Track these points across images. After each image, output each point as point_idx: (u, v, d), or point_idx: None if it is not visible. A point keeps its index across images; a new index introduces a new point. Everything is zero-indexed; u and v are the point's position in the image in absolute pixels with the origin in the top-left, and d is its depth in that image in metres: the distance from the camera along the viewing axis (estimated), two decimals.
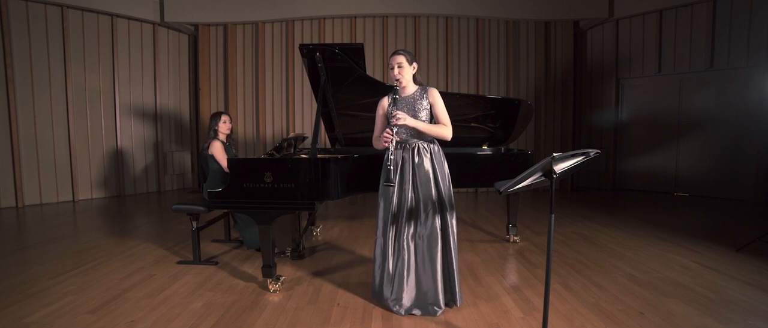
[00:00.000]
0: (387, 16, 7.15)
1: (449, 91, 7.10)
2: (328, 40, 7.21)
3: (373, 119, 2.62)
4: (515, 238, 3.97)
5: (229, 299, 2.66)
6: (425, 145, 2.48)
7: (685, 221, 4.77)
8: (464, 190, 7.21)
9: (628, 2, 6.82)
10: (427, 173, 2.44)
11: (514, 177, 1.87)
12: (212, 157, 3.46)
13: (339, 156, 2.83)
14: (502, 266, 3.29)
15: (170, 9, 6.99)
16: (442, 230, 2.43)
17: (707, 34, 6.19)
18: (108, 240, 4.10)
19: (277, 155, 3.33)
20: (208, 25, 7.34)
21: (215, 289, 2.84)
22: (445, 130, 2.44)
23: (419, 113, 2.44)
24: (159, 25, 7.23)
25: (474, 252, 3.66)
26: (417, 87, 2.52)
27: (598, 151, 1.80)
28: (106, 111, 6.75)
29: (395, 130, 2.37)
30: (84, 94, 6.47)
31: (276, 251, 3.39)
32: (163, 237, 4.21)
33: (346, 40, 7.18)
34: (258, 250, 3.65)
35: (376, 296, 2.55)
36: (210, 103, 7.51)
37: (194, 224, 3.33)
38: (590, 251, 3.66)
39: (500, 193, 1.91)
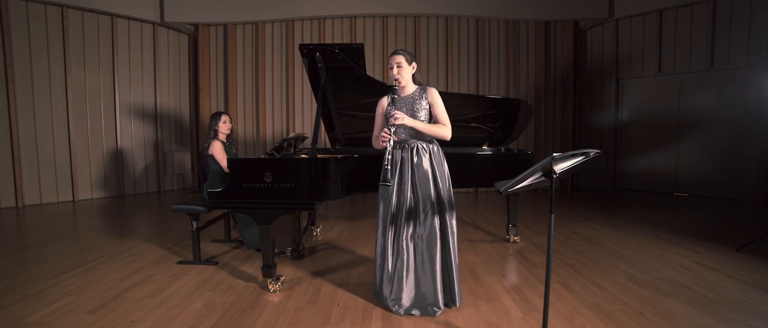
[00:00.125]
0: (387, 16, 7.15)
1: (449, 91, 7.10)
2: (328, 40, 7.21)
3: (373, 119, 2.62)
4: (515, 238, 3.97)
5: (229, 299, 2.66)
6: (424, 145, 2.48)
7: (685, 221, 4.77)
8: (464, 190, 7.21)
9: (628, 2, 6.82)
10: (425, 172, 2.44)
11: (514, 177, 1.87)
12: (212, 157, 3.46)
13: (339, 156, 2.83)
14: (502, 266, 3.29)
15: (170, 9, 6.99)
16: (441, 230, 2.43)
17: (707, 34, 6.19)
18: (108, 240, 4.10)
19: (277, 155, 3.33)
20: (208, 25, 7.34)
21: (215, 289, 2.84)
22: (444, 130, 2.44)
23: (418, 113, 2.44)
24: (159, 25, 7.23)
25: (474, 252, 3.66)
26: (416, 87, 2.51)
27: (598, 151, 1.80)
28: (106, 111, 6.75)
29: (393, 129, 2.37)
30: (84, 94, 6.48)
31: (276, 251, 3.39)
32: (163, 237, 4.21)
33: (346, 40, 7.18)
34: (258, 250, 3.65)
35: (377, 295, 2.55)
36: (210, 103, 7.51)
37: (194, 224, 3.33)
38: (590, 251, 3.66)
39: (500, 193, 1.91)
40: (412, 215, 2.45)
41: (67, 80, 6.29)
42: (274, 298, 2.69)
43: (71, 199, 6.41)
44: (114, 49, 6.74)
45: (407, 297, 2.42)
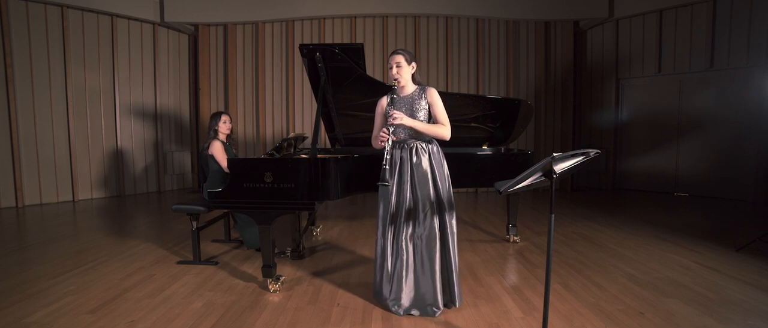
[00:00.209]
0: (387, 16, 7.15)
1: (449, 91, 7.10)
2: (328, 40, 7.21)
3: (373, 119, 2.62)
4: (515, 238, 3.97)
5: (229, 299, 2.66)
6: (423, 145, 2.47)
7: (685, 221, 4.77)
8: (464, 190, 7.21)
9: (628, 2, 6.82)
10: (425, 173, 2.44)
11: (514, 177, 1.87)
12: (212, 157, 3.46)
13: (339, 156, 2.83)
14: (502, 266, 3.29)
15: (170, 9, 6.99)
16: (440, 230, 2.43)
17: (707, 34, 6.19)
18: (108, 240, 4.10)
19: (277, 155, 3.33)
20: (208, 25, 7.34)
21: (215, 289, 2.84)
22: (444, 130, 2.44)
23: (417, 113, 2.43)
24: (159, 25, 7.23)
25: (474, 252, 3.66)
26: (416, 87, 2.51)
27: (598, 151, 1.80)
28: (106, 111, 6.75)
29: (392, 129, 2.36)
30: (84, 94, 6.48)
31: (276, 251, 3.39)
32: (163, 237, 4.21)
33: (346, 40, 7.18)
34: (258, 250, 3.65)
35: (377, 296, 2.55)
36: (210, 103, 7.51)
37: (194, 224, 3.33)
38: (590, 251, 3.66)
39: (500, 193, 1.90)
40: (412, 215, 2.45)
41: (67, 80, 6.29)
42: (274, 298, 2.69)
43: (71, 199, 6.42)
44: (114, 49, 6.74)
45: (406, 297, 2.42)
